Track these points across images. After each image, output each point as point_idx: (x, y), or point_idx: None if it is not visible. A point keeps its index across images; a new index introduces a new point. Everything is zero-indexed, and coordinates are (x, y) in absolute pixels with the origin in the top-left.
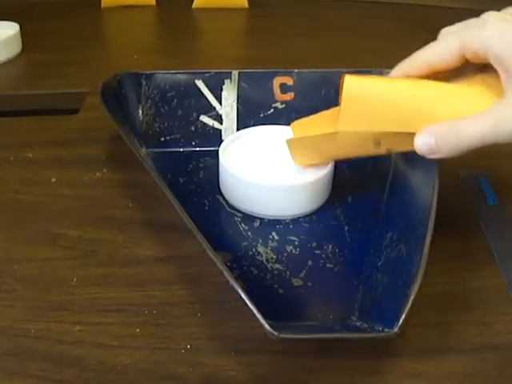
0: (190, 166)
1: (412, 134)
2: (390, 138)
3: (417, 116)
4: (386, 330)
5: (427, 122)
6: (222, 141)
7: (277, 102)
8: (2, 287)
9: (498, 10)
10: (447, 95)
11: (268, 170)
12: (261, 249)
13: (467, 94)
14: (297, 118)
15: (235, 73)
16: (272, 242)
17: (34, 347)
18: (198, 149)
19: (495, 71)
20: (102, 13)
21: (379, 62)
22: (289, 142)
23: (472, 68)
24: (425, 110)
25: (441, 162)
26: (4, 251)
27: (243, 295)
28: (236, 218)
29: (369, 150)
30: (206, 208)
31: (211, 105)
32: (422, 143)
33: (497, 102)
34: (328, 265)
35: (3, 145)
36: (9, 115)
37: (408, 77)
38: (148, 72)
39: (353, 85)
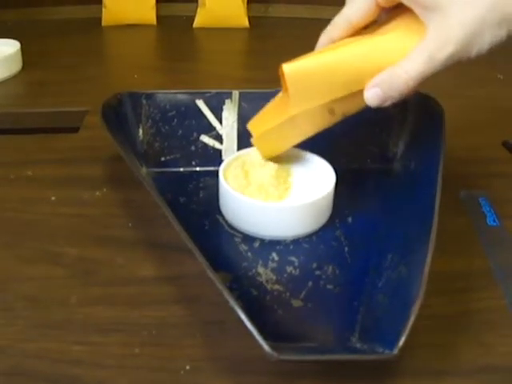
0: (190, 185)
1: (359, 93)
2: (341, 103)
3: (358, 74)
4: (386, 351)
5: (369, 76)
6: (222, 161)
7: None
8: (1, 306)
9: None
10: (378, 46)
11: (268, 190)
12: (261, 269)
13: (395, 38)
14: None
15: (236, 93)
16: (272, 262)
17: (32, 367)
18: (198, 169)
19: (409, 10)
20: (102, 31)
21: None
22: (254, 141)
23: (387, 13)
24: (363, 67)
25: (441, 183)
26: (3, 269)
27: (243, 316)
28: (236, 239)
29: (327, 120)
30: (206, 228)
31: (212, 125)
32: (371, 96)
33: (423, 38)
34: (328, 286)
35: (3, 162)
36: (9, 133)
37: (337, 43)
38: (149, 92)
39: (291, 70)
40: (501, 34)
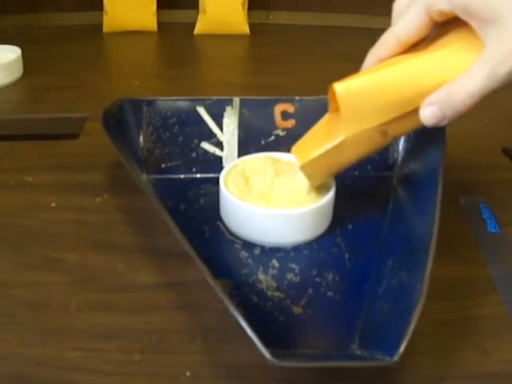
0: (191, 192)
1: (413, 113)
2: (394, 124)
3: (413, 93)
4: (386, 358)
5: (424, 95)
6: (222, 168)
7: (278, 129)
8: (1, 311)
9: None
10: (432, 63)
11: (269, 197)
12: (261, 276)
13: (449, 55)
14: None
15: (236, 100)
16: (272, 269)
17: (32, 373)
18: (198, 175)
19: (463, 23)
20: (103, 38)
21: None
22: (302, 167)
23: (436, 30)
24: (418, 85)
25: (442, 190)
26: (3, 276)
27: (243, 323)
28: (236, 245)
29: (378, 143)
30: (207, 235)
31: (212, 131)
32: (428, 115)
33: (482, 52)
34: (328, 293)
35: (3, 169)
36: (9, 139)
37: (386, 62)
38: (149, 98)
39: (343, 90)
40: None
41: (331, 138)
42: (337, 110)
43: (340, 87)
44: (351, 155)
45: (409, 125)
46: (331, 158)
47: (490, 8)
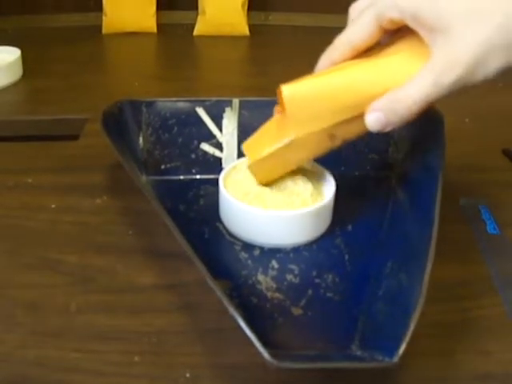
0: (190, 193)
1: (361, 117)
2: (342, 128)
3: (360, 98)
4: (386, 359)
5: (371, 100)
6: (222, 169)
7: None
8: (1, 313)
9: None
10: (380, 69)
11: (268, 198)
12: (261, 277)
13: (398, 61)
14: None
15: (236, 101)
16: (272, 270)
17: (32, 374)
18: (198, 177)
19: (413, 33)
20: (103, 39)
21: None
22: (250, 166)
23: (390, 36)
24: (365, 90)
25: (441, 190)
26: (3, 277)
27: (243, 324)
28: (236, 247)
29: (326, 146)
30: (206, 236)
31: (212, 133)
32: (373, 121)
33: (428, 60)
34: (328, 294)
35: (3, 170)
36: (9, 140)
37: (337, 66)
38: (149, 99)
39: (291, 93)
40: (509, 59)
41: (279, 139)
42: (285, 110)
43: (287, 89)
44: (299, 156)
45: (356, 129)
46: (279, 158)
47: (438, 17)
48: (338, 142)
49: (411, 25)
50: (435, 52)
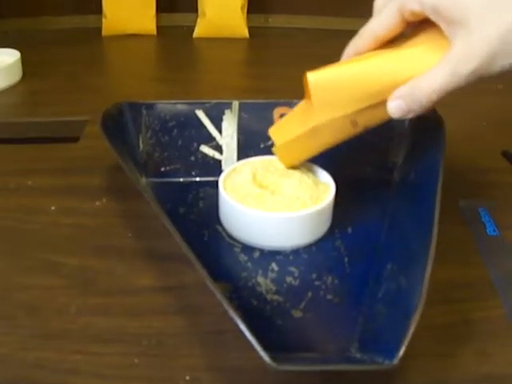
0: (190, 196)
1: (382, 105)
2: (364, 115)
3: (382, 86)
4: (386, 361)
5: (393, 88)
6: (221, 171)
7: None
8: (1, 315)
9: None
10: (403, 59)
11: (268, 200)
12: (260, 280)
13: (419, 52)
14: None
15: (236, 103)
16: (272, 272)
17: (31, 376)
18: (197, 179)
19: (434, 25)
20: (102, 41)
21: None
22: (277, 149)
23: (414, 28)
24: (388, 79)
25: (441, 192)
26: (3, 279)
27: (242, 326)
28: (236, 249)
29: (349, 132)
30: (206, 238)
31: (211, 135)
32: (394, 108)
33: (447, 52)
34: (328, 296)
35: (3, 172)
36: (8, 143)
37: (361, 55)
38: (149, 102)
39: (316, 79)
40: None
41: (305, 124)
42: (310, 97)
43: (312, 76)
44: (323, 142)
45: (378, 116)
46: (304, 142)
47: (457, 10)
48: (359, 129)
49: (432, 17)
50: (454, 44)
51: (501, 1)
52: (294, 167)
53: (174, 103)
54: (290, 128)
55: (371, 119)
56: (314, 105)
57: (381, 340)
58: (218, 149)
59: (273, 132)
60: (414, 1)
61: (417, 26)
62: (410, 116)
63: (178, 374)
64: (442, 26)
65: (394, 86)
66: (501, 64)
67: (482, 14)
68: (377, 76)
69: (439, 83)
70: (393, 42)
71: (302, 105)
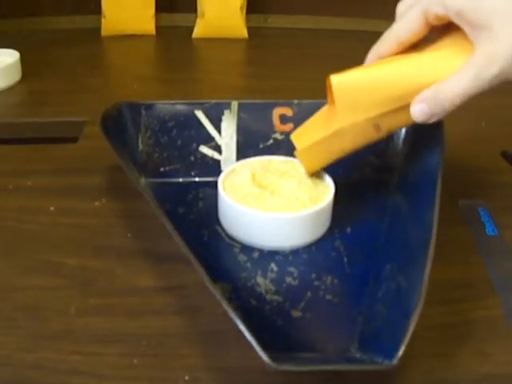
0: (189, 196)
1: (405, 109)
2: (387, 119)
3: (405, 90)
4: (385, 361)
5: (416, 92)
6: (221, 171)
7: (276, 132)
8: (1, 315)
9: None
10: (426, 63)
11: (267, 201)
12: (260, 280)
13: (443, 56)
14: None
15: (235, 103)
16: (271, 273)
17: (31, 377)
18: (197, 179)
19: (459, 29)
20: (101, 42)
21: None
22: (298, 153)
23: (437, 32)
24: (411, 83)
25: (440, 192)
26: (2, 279)
27: (242, 327)
28: (235, 249)
29: (371, 136)
30: (205, 238)
31: (211, 135)
32: (418, 112)
33: (470, 56)
34: (327, 296)
35: (2, 172)
36: (8, 143)
37: (384, 59)
38: (148, 102)
39: (340, 82)
40: None
41: (327, 128)
42: (333, 101)
43: (336, 79)
44: (345, 146)
45: (400, 120)
46: (326, 146)
47: (481, 15)
48: (382, 133)
49: (456, 21)
50: (477, 48)
51: None
52: (313, 172)
53: (174, 103)
54: (311, 132)
55: (394, 123)
56: (337, 108)
57: (380, 340)
58: (218, 149)
59: (294, 137)
60: (438, 4)
61: (441, 30)
62: (433, 120)
63: (178, 374)
64: (466, 29)
65: (418, 90)
66: None
67: (505, 19)
68: (400, 80)
69: (462, 88)
70: (416, 46)
71: (324, 109)
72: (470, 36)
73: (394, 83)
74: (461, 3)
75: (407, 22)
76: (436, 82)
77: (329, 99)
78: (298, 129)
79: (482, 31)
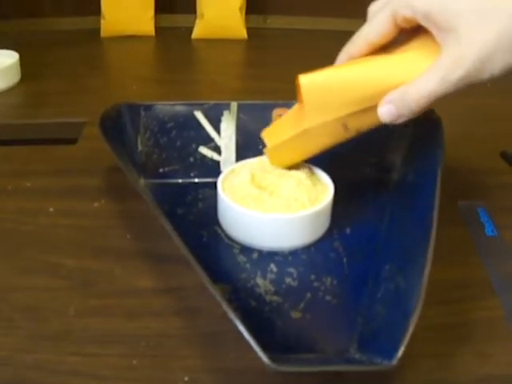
0: (189, 197)
1: (373, 110)
2: (355, 119)
3: (373, 91)
4: (385, 362)
5: (384, 93)
6: (220, 172)
7: None
8: (0, 316)
9: None
10: (394, 65)
11: (266, 201)
12: (259, 281)
13: (411, 58)
14: None
15: (234, 104)
16: (270, 273)
17: (30, 377)
18: (196, 180)
19: (427, 31)
20: (101, 43)
21: None
22: (268, 151)
23: (405, 34)
24: (379, 84)
25: (440, 193)
26: (2, 280)
27: (241, 328)
28: (234, 250)
29: (340, 135)
30: (205, 239)
31: (210, 136)
32: (385, 113)
33: (437, 58)
34: (327, 297)
35: (1, 173)
36: (7, 144)
37: (354, 60)
38: (147, 103)
39: (308, 82)
40: None
41: (296, 126)
42: (302, 100)
43: (304, 79)
44: (314, 145)
45: (369, 120)
46: (295, 145)
47: (448, 17)
48: (351, 133)
49: (423, 23)
50: (444, 50)
51: (490, 9)
52: (290, 168)
53: (173, 104)
54: (281, 130)
55: (362, 123)
56: (306, 108)
57: (380, 340)
58: (217, 150)
59: (265, 134)
60: (406, 7)
61: (410, 33)
62: (400, 121)
63: (177, 375)
64: (434, 32)
65: (385, 91)
66: (490, 71)
67: (471, 21)
68: (368, 81)
69: (428, 89)
70: (386, 47)
71: (294, 108)
72: (437, 38)
73: (362, 84)
74: (428, 6)
75: (377, 23)
76: (404, 83)
77: (298, 98)
78: (270, 126)
79: (449, 34)
